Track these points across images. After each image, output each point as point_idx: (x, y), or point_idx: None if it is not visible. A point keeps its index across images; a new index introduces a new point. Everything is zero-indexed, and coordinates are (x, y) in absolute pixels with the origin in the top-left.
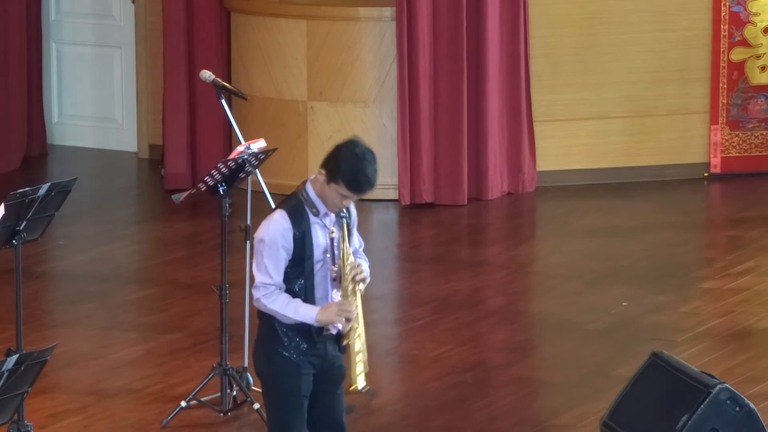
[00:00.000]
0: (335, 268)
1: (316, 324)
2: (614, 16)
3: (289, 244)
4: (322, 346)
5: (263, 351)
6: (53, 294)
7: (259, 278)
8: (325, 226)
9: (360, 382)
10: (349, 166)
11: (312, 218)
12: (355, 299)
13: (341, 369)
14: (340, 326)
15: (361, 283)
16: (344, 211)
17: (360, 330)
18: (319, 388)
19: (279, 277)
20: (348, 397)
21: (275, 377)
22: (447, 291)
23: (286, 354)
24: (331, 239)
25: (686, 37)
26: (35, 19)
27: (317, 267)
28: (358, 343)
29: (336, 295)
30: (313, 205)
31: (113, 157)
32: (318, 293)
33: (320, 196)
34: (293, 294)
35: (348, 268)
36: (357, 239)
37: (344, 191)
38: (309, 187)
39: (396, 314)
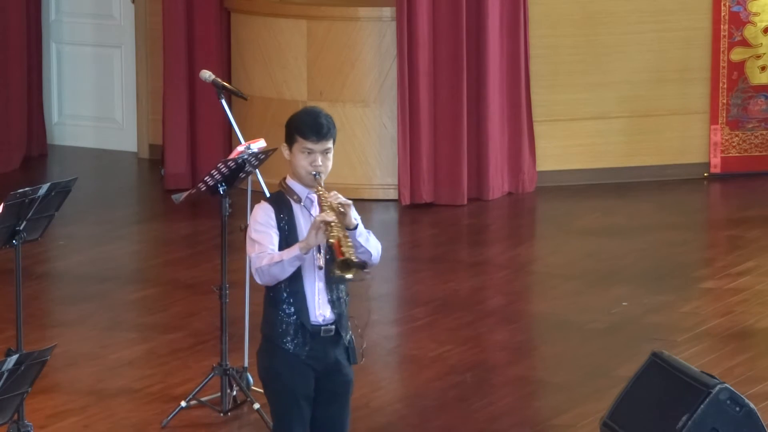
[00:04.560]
0: (320, 256)
1: (302, 253)
2: (614, 16)
3: (274, 222)
4: (321, 347)
5: (264, 352)
6: (53, 294)
7: (251, 253)
8: (310, 214)
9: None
10: (296, 120)
11: (294, 205)
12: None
13: (347, 378)
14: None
15: (340, 207)
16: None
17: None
18: (324, 397)
19: (270, 246)
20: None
21: (272, 376)
22: (447, 291)
23: (286, 347)
24: None
25: (686, 37)
26: (35, 19)
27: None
28: (336, 230)
29: (321, 286)
30: (293, 192)
31: (113, 157)
32: (306, 284)
33: (295, 175)
34: (280, 286)
35: (324, 197)
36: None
37: (302, 142)
38: (288, 179)
39: (396, 314)
